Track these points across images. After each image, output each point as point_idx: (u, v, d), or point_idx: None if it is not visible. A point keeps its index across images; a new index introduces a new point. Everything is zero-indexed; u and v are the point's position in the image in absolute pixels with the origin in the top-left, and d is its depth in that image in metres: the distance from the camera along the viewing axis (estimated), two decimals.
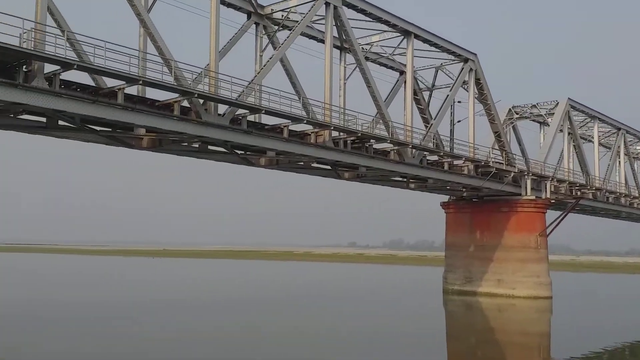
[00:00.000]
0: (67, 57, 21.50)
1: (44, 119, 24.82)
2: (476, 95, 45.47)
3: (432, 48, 41.50)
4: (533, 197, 49.08)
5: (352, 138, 33.44)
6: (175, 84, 25.02)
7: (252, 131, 28.84)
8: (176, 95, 25.34)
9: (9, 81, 20.51)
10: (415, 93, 42.82)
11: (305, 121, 30.43)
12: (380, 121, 36.43)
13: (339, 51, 38.98)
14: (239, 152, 31.94)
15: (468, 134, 44.49)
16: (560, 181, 53.34)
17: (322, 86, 32.53)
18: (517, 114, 59.85)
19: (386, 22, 36.88)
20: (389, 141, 35.58)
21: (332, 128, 31.79)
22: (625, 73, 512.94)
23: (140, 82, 23.59)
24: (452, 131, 48.15)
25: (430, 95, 47.57)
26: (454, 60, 44.04)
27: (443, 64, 45.50)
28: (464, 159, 42.95)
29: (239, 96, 27.50)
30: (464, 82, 44.82)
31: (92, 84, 25.46)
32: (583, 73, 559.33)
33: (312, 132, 31.86)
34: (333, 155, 33.09)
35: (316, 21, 35.49)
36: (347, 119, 34.09)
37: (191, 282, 66.94)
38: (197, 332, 30.27)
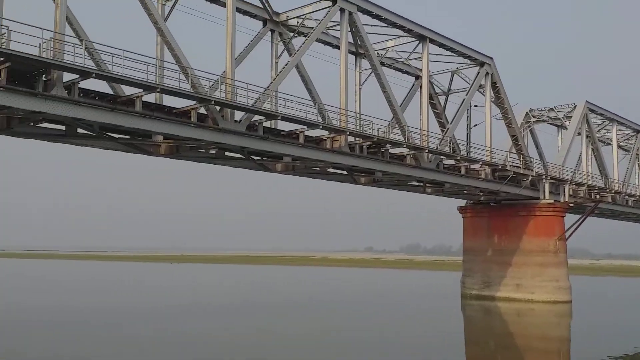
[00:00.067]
0: (86, 66, 21.77)
1: (63, 127, 25.12)
2: (493, 99, 45.29)
3: (448, 52, 41.42)
4: (551, 201, 48.71)
5: (368, 143, 33.44)
6: (192, 91, 25.23)
7: (268, 137, 28.97)
8: (193, 102, 25.54)
9: (29, 90, 20.81)
10: (431, 97, 42.76)
11: (321, 127, 30.51)
12: (396, 126, 36.41)
13: (354, 57, 39.07)
14: (256, 158, 32.08)
15: (485, 137, 44.32)
16: (578, 184, 52.87)
17: (337, 92, 32.58)
18: (534, 117, 59.50)
19: (401, 27, 36.89)
20: (405, 146, 35.54)
21: (348, 133, 31.82)
22: (626, 73, 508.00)
23: (158, 89, 23.81)
24: (468, 135, 47.95)
25: (446, 100, 47.44)
26: (469, 64, 43.91)
27: (459, 68, 45.39)
28: (481, 163, 42.78)
29: (255, 102, 27.65)
30: (480, 86, 44.68)
31: (111, 92, 25.75)
32: (583, 73, 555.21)
33: (328, 138, 31.93)
34: (349, 161, 33.11)
35: (331, 27, 35.64)
36: (363, 124, 34.14)
37: (210, 288, 67.21)
38: (217, 336, 30.42)
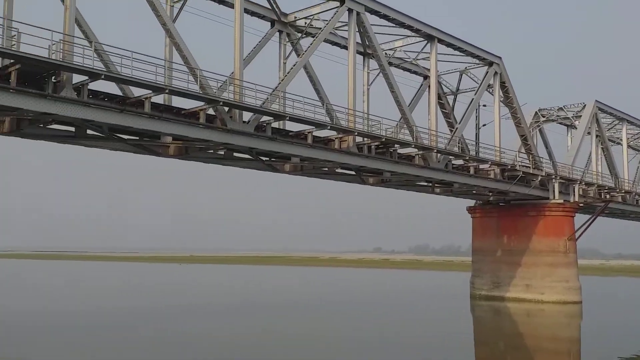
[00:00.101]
0: (95, 68, 21.86)
1: (73, 129, 25.25)
2: (501, 99, 45.13)
3: (456, 52, 41.31)
4: (561, 201, 48.48)
5: (376, 143, 33.40)
6: (200, 92, 25.29)
7: (276, 138, 29.00)
8: (202, 103, 25.60)
9: (39, 92, 20.92)
10: (439, 97, 42.66)
11: (329, 127, 30.49)
12: (405, 126, 36.34)
13: (362, 57, 39.05)
14: (264, 158, 32.12)
15: (494, 137, 44.17)
16: (588, 184, 52.61)
17: (345, 92, 32.57)
18: (543, 116, 59.23)
19: (409, 27, 36.83)
20: (413, 146, 35.46)
21: (356, 133, 31.79)
22: (626, 73, 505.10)
23: (167, 91, 23.89)
24: (477, 135, 47.81)
25: (454, 99, 47.32)
26: (478, 63, 43.77)
27: (467, 67, 45.26)
28: (490, 163, 42.63)
29: (263, 103, 27.69)
30: (489, 86, 44.54)
31: (120, 93, 25.85)
32: (584, 73, 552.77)
33: (336, 138, 31.91)
34: (357, 161, 33.08)
35: (339, 28, 35.64)
36: (371, 124, 34.10)
37: (220, 289, 67.36)
38: (226, 335, 30.47)
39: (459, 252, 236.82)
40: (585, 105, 56.31)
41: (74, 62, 21.36)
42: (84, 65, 21.41)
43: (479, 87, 42.76)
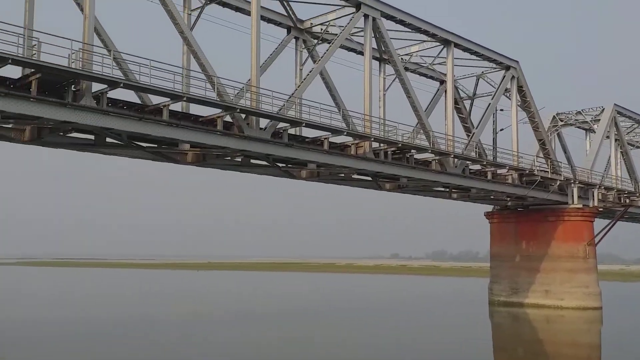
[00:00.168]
0: (114, 76, 22.09)
1: (92, 137, 25.53)
2: (519, 103, 44.88)
3: (473, 56, 41.20)
4: (580, 206, 48.02)
5: (392, 149, 33.35)
6: (218, 99, 25.44)
7: (293, 144, 29.08)
8: (219, 110, 25.75)
9: (59, 100, 21.17)
10: (456, 102, 42.52)
11: (345, 133, 30.52)
12: (421, 131, 36.24)
13: (378, 62, 39.06)
14: (281, 165, 32.22)
15: (511, 142, 43.92)
16: (608, 189, 52.09)
17: (361, 98, 32.57)
18: (561, 121, 58.82)
19: (425, 32, 36.77)
20: (430, 151, 35.33)
21: (372, 139, 31.79)
22: (625, 73, 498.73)
23: (185, 98, 24.07)
24: (494, 140, 47.52)
25: (471, 104, 47.14)
26: (495, 68, 43.60)
27: (484, 72, 45.07)
28: (507, 167, 42.35)
29: (279, 110, 27.79)
30: (506, 90, 44.31)
31: (138, 101, 26.10)
32: (586, 73, 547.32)
33: (352, 144, 31.93)
34: (374, 167, 33.06)
35: (355, 33, 35.70)
36: (388, 129, 34.03)
37: (237, 295, 67.52)
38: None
39: (476, 258, 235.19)
40: (603, 109, 55.86)
41: (94, 71, 21.61)
42: (103, 73, 21.63)
43: (496, 91, 42.56)
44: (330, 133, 30.02)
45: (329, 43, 33.25)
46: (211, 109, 25.77)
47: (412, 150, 34.66)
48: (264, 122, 27.58)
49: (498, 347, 33.38)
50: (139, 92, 25.76)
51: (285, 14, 33.83)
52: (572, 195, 48.06)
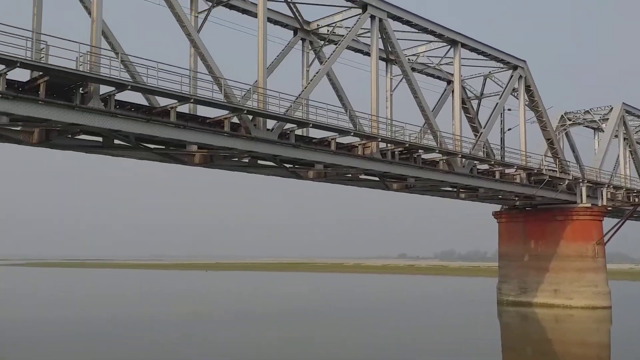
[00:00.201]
0: (122, 79, 22.21)
1: (100, 139, 25.68)
2: (527, 102, 44.75)
3: (480, 56, 41.12)
4: (589, 205, 47.84)
5: (400, 149, 33.35)
6: (225, 101, 25.52)
7: (300, 145, 29.12)
8: (226, 112, 25.83)
9: (67, 103, 21.32)
10: (463, 102, 42.47)
11: (352, 133, 30.54)
12: (428, 131, 36.22)
13: (385, 63, 39.03)
14: (288, 165, 32.27)
15: (519, 141, 43.80)
16: (616, 188, 51.87)
17: (368, 98, 32.59)
18: (569, 120, 58.62)
19: (432, 33, 36.74)
20: (437, 151, 35.30)
21: (379, 139, 31.80)
22: (625, 73, 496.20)
23: (192, 100, 24.16)
24: (502, 139, 47.40)
25: (479, 104, 47.04)
26: (502, 67, 43.49)
27: (491, 72, 44.97)
28: (515, 167, 42.24)
29: (286, 111, 27.84)
30: (514, 90, 44.19)
31: (146, 103, 26.20)
32: (583, 73, 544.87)
33: (359, 144, 31.93)
34: (381, 167, 33.06)
35: (362, 35, 35.71)
36: (395, 130, 34.03)
37: (246, 295, 67.66)
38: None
39: (485, 257, 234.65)
40: (612, 108, 55.62)
41: (101, 73, 21.73)
42: (111, 76, 21.76)
43: (504, 91, 42.44)
44: (337, 133, 30.04)
45: (335, 44, 33.29)
46: (218, 111, 25.87)
47: (420, 150, 34.64)
48: (271, 124, 27.64)
49: (507, 346, 33.31)
50: (147, 94, 25.89)
51: (292, 16, 33.87)
52: (581, 195, 47.88)
